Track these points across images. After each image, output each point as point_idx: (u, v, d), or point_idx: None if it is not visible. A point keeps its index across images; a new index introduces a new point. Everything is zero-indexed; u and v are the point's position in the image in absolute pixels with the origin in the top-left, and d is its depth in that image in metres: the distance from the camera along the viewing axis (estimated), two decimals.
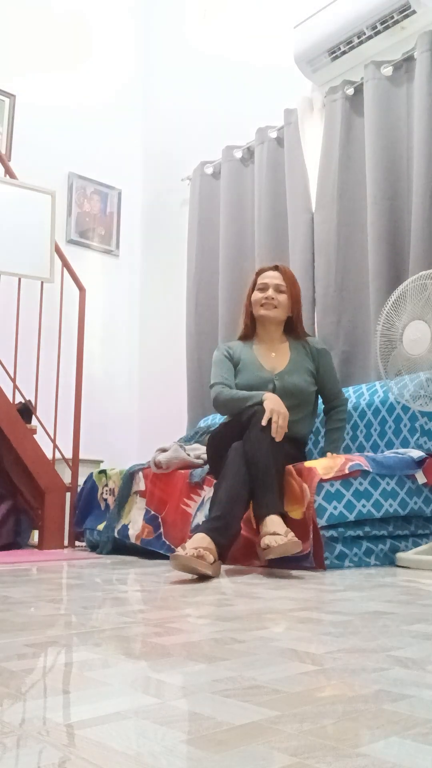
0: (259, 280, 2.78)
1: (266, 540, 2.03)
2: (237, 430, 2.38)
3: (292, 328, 2.81)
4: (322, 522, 2.21)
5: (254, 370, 2.69)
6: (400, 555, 2.33)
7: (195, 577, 1.95)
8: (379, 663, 0.89)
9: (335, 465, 2.30)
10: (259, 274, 2.82)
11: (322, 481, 2.24)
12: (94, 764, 0.53)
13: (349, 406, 3.00)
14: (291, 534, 2.07)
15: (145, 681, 0.80)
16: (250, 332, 2.82)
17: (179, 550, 1.97)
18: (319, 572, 2.13)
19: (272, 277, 2.75)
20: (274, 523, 2.11)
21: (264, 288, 2.74)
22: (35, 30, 4.66)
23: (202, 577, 1.94)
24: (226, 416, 2.70)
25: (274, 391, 2.62)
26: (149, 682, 0.79)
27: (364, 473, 2.36)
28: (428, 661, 0.90)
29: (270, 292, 2.72)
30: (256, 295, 2.75)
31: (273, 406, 2.36)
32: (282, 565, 2.24)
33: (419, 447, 2.69)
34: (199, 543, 2.02)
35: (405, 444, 2.75)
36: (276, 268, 2.80)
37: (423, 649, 0.97)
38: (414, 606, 1.39)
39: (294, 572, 2.12)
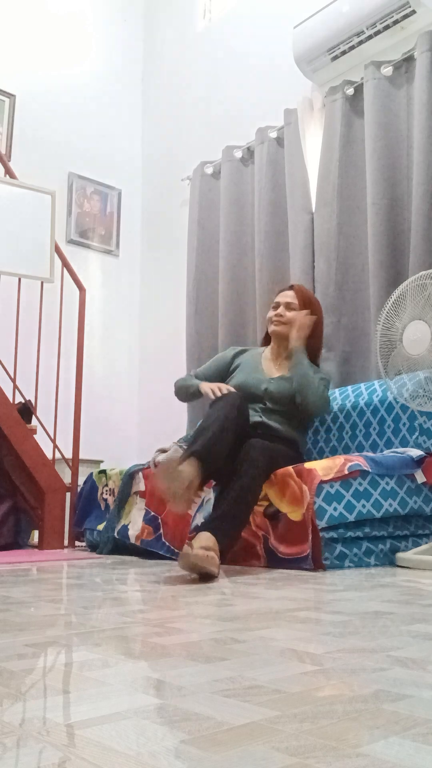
0: (275, 299, 2.88)
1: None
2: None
3: (309, 351, 2.78)
4: (322, 523, 2.21)
5: (251, 372, 2.77)
6: (400, 555, 2.33)
7: (195, 576, 1.95)
8: (379, 663, 0.89)
9: (335, 466, 2.31)
10: (278, 294, 2.92)
11: (322, 482, 2.24)
12: (94, 764, 0.53)
13: (348, 405, 3.01)
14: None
15: (145, 681, 0.80)
16: (268, 341, 2.95)
17: (186, 549, 1.95)
18: (319, 572, 2.13)
19: (284, 296, 2.84)
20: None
21: (276, 306, 2.84)
22: (35, 30, 4.66)
23: (203, 577, 1.93)
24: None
25: (265, 392, 2.67)
26: (149, 682, 0.79)
27: (364, 473, 2.36)
28: (428, 661, 0.90)
29: (280, 310, 2.80)
30: (270, 313, 2.86)
31: (208, 385, 2.61)
32: (280, 566, 2.24)
33: (418, 446, 2.69)
34: (206, 542, 2.01)
35: (404, 443, 2.75)
36: (291, 287, 2.89)
37: (423, 649, 0.97)
38: (414, 606, 1.39)
39: (294, 572, 2.12)
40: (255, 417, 2.66)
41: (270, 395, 2.68)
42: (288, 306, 2.80)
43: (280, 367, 2.80)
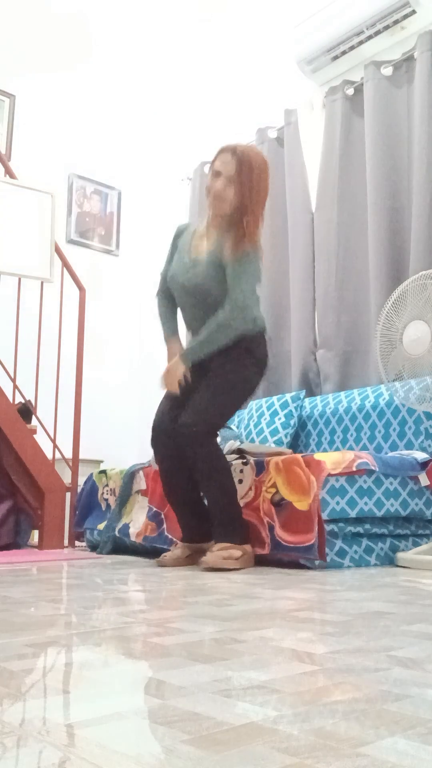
0: (215, 163, 2.37)
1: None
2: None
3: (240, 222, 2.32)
4: (324, 516, 2.23)
5: (179, 260, 2.47)
6: (400, 555, 2.33)
7: (188, 568, 1.95)
8: (380, 663, 0.88)
9: (344, 461, 2.32)
10: (221, 152, 2.38)
11: (329, 475, 2.26)
12: (94, 764, 0.53)
13: (354, 407, 3.01)
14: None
15: (145, 681, 0.80)
16: None
17: (207, 556, 2.23)
18: (319, 572, 2.13)
19: (225, 163, 2.33)
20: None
21: (216, 175, 2.36)
22: (35, 30, 4.66)
23: (201, 574, 1.94)
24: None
25: (184, 284, 2.44)
26: (149, 682, 0.79)
27: (370, 472, 2.38)
28: (429, 661, 0.89)
29: (219, 185, 2.34)
30: (208, 180, 2.39)
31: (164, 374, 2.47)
32: (284, 553, 2.27)
33: (423, 450, 2.69)
34: (224, 546, 2.25)
35: (409, 446, 2.77)
36: (234, 151, 2.33)
37: (423, 649, 0.97)
38: (414, 606, 1.39)
39: (295, 572, 2.12)
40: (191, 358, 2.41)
41: (186, 288, 2.41)
42: (228, 180, 2.31)
43: (209, 243, 2.42)
